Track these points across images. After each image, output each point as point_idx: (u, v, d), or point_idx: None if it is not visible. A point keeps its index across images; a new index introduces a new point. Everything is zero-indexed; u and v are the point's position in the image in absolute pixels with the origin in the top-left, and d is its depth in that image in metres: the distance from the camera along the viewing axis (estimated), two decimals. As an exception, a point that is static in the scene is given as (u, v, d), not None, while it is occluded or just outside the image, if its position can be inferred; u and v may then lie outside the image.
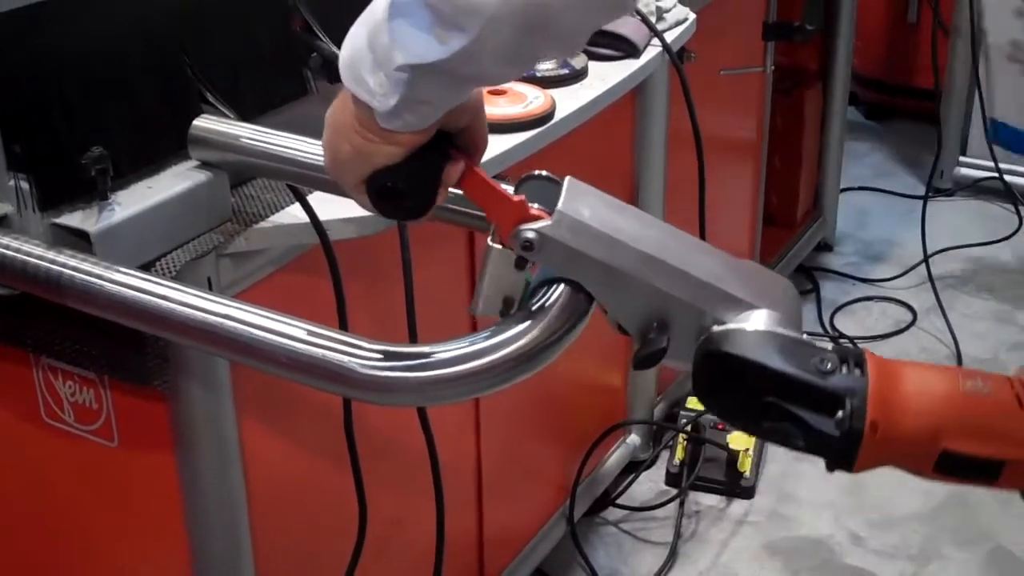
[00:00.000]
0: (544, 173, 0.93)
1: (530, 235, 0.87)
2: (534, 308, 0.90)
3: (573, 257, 0.87)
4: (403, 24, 0.80)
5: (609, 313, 0.91)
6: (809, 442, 0.83)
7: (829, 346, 0.85)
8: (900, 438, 0.82)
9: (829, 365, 0.83)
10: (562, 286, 0.90)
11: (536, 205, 0.89)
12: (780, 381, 0.83)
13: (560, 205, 0.88)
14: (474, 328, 1.73)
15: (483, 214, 0.95)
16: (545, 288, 0.90)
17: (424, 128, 0.86)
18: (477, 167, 0.93)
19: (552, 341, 0.91)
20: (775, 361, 0.83)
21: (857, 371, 0.83)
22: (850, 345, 0.78)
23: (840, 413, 0.81)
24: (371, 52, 0.82)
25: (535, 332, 0.91)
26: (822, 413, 0.82)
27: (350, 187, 0.93)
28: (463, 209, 1.08)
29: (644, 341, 0.88)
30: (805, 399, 0.83)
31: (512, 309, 0.92)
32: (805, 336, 0.86)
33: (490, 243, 0.91)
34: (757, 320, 0.86)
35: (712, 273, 0.88)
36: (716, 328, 0.86)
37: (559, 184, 0.91)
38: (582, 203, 0.89)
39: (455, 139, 0.92)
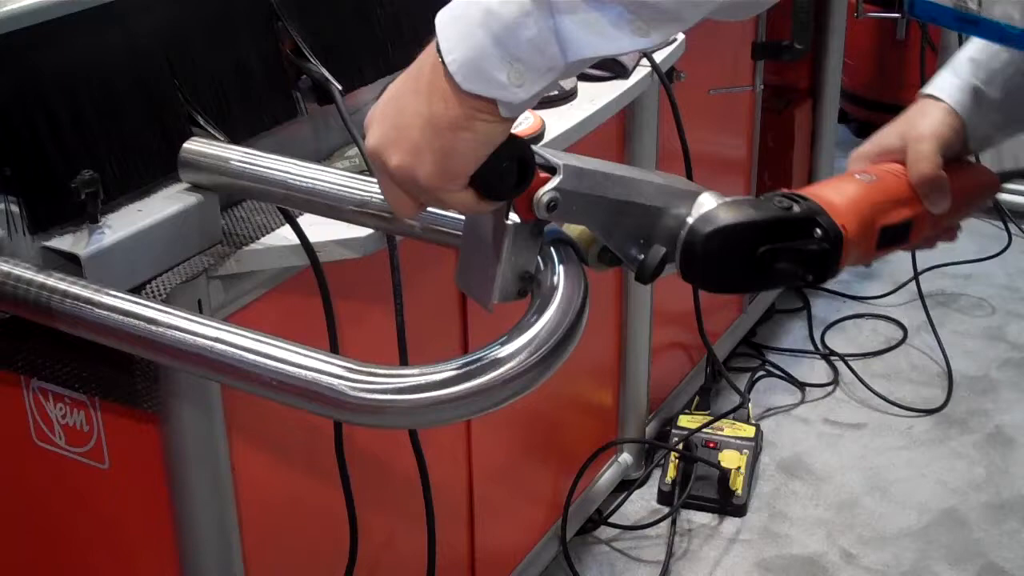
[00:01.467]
0: None
1: (552, 195, 0.91)
2: (527, 319, 0.92)
3: (584, 202, 0.93)
4: (577, 20, 0.81)
5: (595, 248, 0.98)
6: (806, 265, 0.98)
7: (771, 196, 1.00)
8: (858, 231, 1.01)
9: (786, 203, 0.99)
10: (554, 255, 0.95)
11: None
12: (765, 228, 0.96)
13: (559, 162, 0.92)
14: (465, 349, 1.73)
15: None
16: (548, 258, 0.95)
17: None
18: None
19: (543, 359, 0.91)
20: (755, 216, 0.96)
21: (801, 200, 0.99)
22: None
23: (818, 231, 0.98)
24: (501, 48, 0.82)
25: (523, 355, 0.91)
26: (804, 238, 0.98)
27: (459, 185, 0.89)
28: (452, 231, 1.09)
29: (641, 258, 0.96)
30: (789, 233, 0.97)
31: (530, 284, 0.95)
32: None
33: (508, 221, 0.93)
34: (710, 199, 0.96)
35: (661, 180, 0.98)
36: (691, 218, 0.95)
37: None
38: (567, 157, 0.94)
39: None
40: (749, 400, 2.62)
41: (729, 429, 2.49)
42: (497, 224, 0.93)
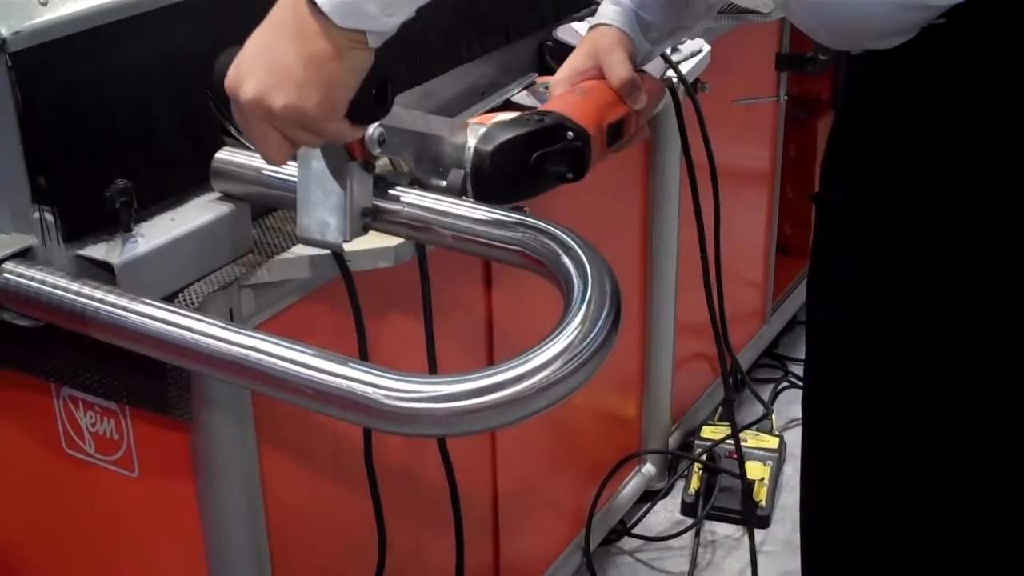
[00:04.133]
0: None
1: (380, 130, 1.06)
2: (559, 329, 0.94)
3: (400, 136, 1.09)
4: None
5: (409, 179, 1.15)
6: (571, 163, 1.14)
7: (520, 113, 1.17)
8: (594, 131, 1.16)
9: (537, 116, 1.15)
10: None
11: None
12: (531, 139, 1.11)
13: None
14: (491, 359, 1.74)
15: (503, 245, 1.09)
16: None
17: None
18: None
19: (575, 369, 0.92)
20: (523, 130, 1.11)
21: (548, 113, 1.15)
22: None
23: (570, 133, 1.14)
24: None
25: (558, 363, 0.91)
26: (561, 141, 1.14)
27: (341, 112, 0.99)
28: (483, 240, 1.09)
29: (444, 183, 1.11)
30: (551, 140, 1.13)
31: (372, 219, 1.12)
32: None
33: (346, 161, 1.07)
34: (479, 127, 1.10)
35: (439, 117, 1.16)
36: (471, 143, 1.09)
37: None
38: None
39: None
40: (773, 411, 2.61)
41: (753, 440, 2.48)
42: (338, 165, 1.07)
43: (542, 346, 0.92)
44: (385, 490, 1.41)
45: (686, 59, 1.96)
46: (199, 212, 1.24)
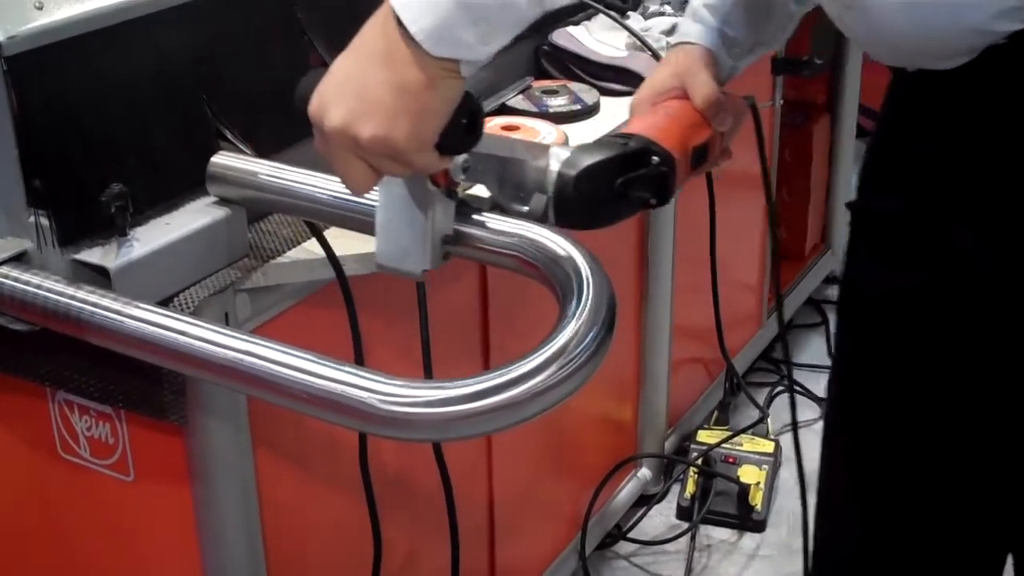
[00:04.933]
0: None
1: (465, 157, 1.01)
2: (555, 335, 0.93)
3: (485, 162, 1.05)
4: None
5: (490, 203, 1.09)
6: (655, 189, 1.10)
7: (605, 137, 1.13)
8: (679, 155, 1.13)
9: (622, 139, 1.11)
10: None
11: None
12: (615, 164, 1.08)
13: None
14: (487, 363, 1.74)
15: (497, 250, 1.06)
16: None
17: None
18: None
19: (570, 374, 0.92)
20: (608, 154, 1.07)
21: (632, 136, 1.12)
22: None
23: (655, 158, 1.10)
24: (467, 11, 0.88)
25: (553, 368, 0.91)
26: (646, 166, 1.10)
27: (431, 143, 0.94)
28: (478, 246, 1.09)
29: (524, 209, 1.07)
30: (635, 164, 1.09)
31: (454, 246, 1.05)
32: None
33: (430, 187, 1.02)
34: (561, 149, 1.06)
35: (520, 139, 1.13)
36: (553, 167, 1.05)
37: None
38: None
39: None
40: (768, 415, 2.61)
41: (748, 444, 2.49)
42: (420, 192, 1.02)
43: (537, 351, 0.92)
44: (381, 494, 1.41)
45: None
46: (195, 216, 1.24)
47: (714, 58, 1.23)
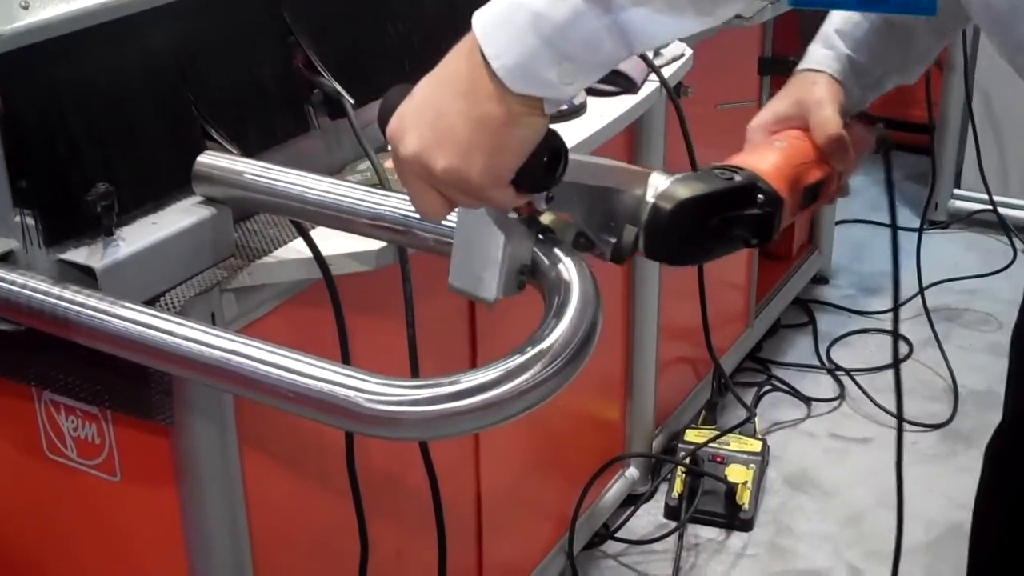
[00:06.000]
0: None
1: None
2: (541, 332, 0.92)
3: (573, 191, 0.98)
4: (640, 13, 0.84)
5: (571, 232, 1.01)
6: (754, 229, 1.04)
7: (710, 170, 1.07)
8: (789, 194, 1.07)
9: (727, 174, 1.05)
10: (572, 307, 0.95)
11: None
12: (715, 200, 1.02)
13: None
14: (474, 362, 1.74)
15: None
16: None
17: None
18: None
19: (556, 371, 0.92)
20: (707, 189, 1.02)
21: (739, 170, 1.06)
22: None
23: (761, 196, 1.05)
24: (553, 48, 0.85)
25: (538, 366, 0.92)
26: (749, 205, 1.04)
27: (507, 180, 0.91)
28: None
29: (614, 241, 1.01)
30: (735, 202, 1.04)
31: (527, 278, 0.99)
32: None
33: (510, 216, 0.96)
34: (660, 178, 1.01)
35: (614, 163, 1.03)
36: (649, 198, 1.00)
37: None
38: None
39: None
40: (756, 415, 2.62)
41: (736, 443, 2.49)
42: (499, 220, 0.96)
43: (522, 349, 0.92)
44: (368, 494, 1.41)
45: (668, 63, 1.97)
46: (181, 216, 1.24)
47: (841, 88, 1.17)
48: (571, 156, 0.95)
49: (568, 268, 0.99)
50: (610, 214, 1.00)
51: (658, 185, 1.00)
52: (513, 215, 0.96)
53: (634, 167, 1.02)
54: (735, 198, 1.04)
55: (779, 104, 1.19)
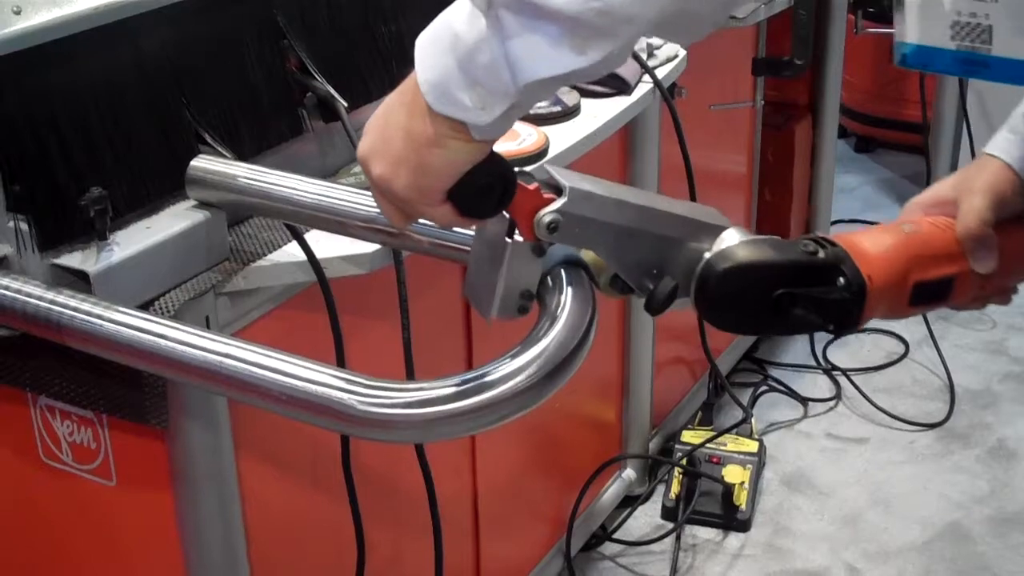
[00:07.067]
0: (519, 168, 0.95)
1: (552, 216, 0.91)
2: (535, 335, 0.92)
3: (590, 227, 0.92)
4: (522, 43, 0.81)
5: (606, 275, 0.96)
6: (824, 313, 0.94)
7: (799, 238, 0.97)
8: (887, 284, 0.96)
9: (812, 247, 0.95)
10: (563, 276, 0.93)
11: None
12: (785, 271, 0.93)
13: (566, 183, 0.92)
14: (470, 364, 1.74)
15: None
16: (552, 278, 0.94)
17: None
18: None
19: (551, 373, 0.92)
20: (775, 257, 0.93)
21: (830, 246, 0.96)
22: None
23: (842, 279, 0.94)
24: (464, 72, 0.83)
25: (532, 369, 0.91)
26: (826, 285, 0.94)
27: (434, 199, 0.90)
28: (458, 246, 1.09)
29: (651, 288, 0.94)
30: (809, 279, 0.94)
31: (531, 302, 0.95)
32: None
33: (507, 239, 0.93)
34: (733, 236, 0.94)
35: (683, 211, 0.96)
36: (708, 253, 0.93)
37: (531, 174, 0.94)
38: (575, 179, 0.93)
39: None
40: (752, 415, 2.62)
41: (732, 444, 2.49)
42: (498, 241, 0.94)
43: (517, 351, 0.92)
44: (364, 496, 1.41)
45: (662, 64, 1.97)
46: (175, 220, 1.24)
47: (1014, 180, 1.05)
48: (634, 202, 0.92)
49: (563, 269, 0.99)
50: (656, 260, 0.94)
51: (725, 242, 0.94)
52: (513, 241, 0.93)
53: (710, 221, 0.95)
54: (810, 275, 0.94)
55: (942, 185, 1.08)
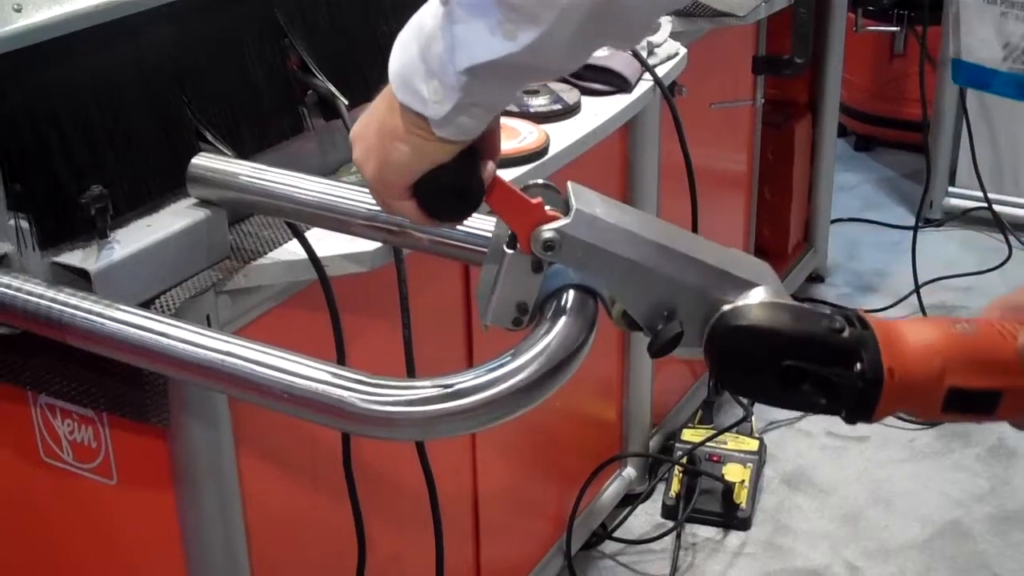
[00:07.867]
0: (543, 181, 0.95)
1: (550, 235, 0.90)
2: (536, 334, 0.92)
3: (591, 253, 0.90)
4: (464, 28, 0.82)
5: (619, 306, 0.93)
6: (831, 397, 0.88)
7: (828, 310, 0.90)
8: (913, 382, 0.88)
9: (838, 324, 0.88)
10: (569, 298, 0.92)
11: (548, 207, 0.92)
12: (798, 343, 0.87)
13: (574, 204, 0.91)
14: (470, 363, 1.74)
15: (479, 248, 1.01)
16: (556, 298, 0.93)
17: (477, 133, 0.89)
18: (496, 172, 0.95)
19: (551, 372, 0.92)
20: (790, 325, 0.88)
21: (861, 327, 0.89)
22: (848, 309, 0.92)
23: (859, 364, 0.87)
24: (423, 62, 0.85)
25: (534, 366, 0.91)
26: (840, 367, 0.87)
27: (397, 193, 0.92)
28: (459, 244, 1.09)
29: (658, 329, 0.91)
30: (823, 357, 0.87)
31: (527, 316, 0.94)
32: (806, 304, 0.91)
33: (506, 249, 0.92)
34: (758, 294, 0.90)
35: (712, 258, 0.92)
36: (726, 307, 0.89)
37: (559, 191, 0.94)
38: (591, 202, 0.92)
39: (476, 143, 0.92)
40: (752, 413, 2.62)
41: (733, 442, 2.49)
42: (498, 250, 0.94)
43: (519, 349, 0.92)
44: (364, 495, 1.41)
45: (662, 62, 1.97)
46: (175, 218, 1.24)
47: None
48: (652, 239, 0.90)
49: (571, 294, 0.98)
50: (669, 303, 0.91)
51: (749, 299, 0.90)
52: (513, 252, 0.92)
53: (741, 274, 0.91)
54: (826, 353, 0.87)
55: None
